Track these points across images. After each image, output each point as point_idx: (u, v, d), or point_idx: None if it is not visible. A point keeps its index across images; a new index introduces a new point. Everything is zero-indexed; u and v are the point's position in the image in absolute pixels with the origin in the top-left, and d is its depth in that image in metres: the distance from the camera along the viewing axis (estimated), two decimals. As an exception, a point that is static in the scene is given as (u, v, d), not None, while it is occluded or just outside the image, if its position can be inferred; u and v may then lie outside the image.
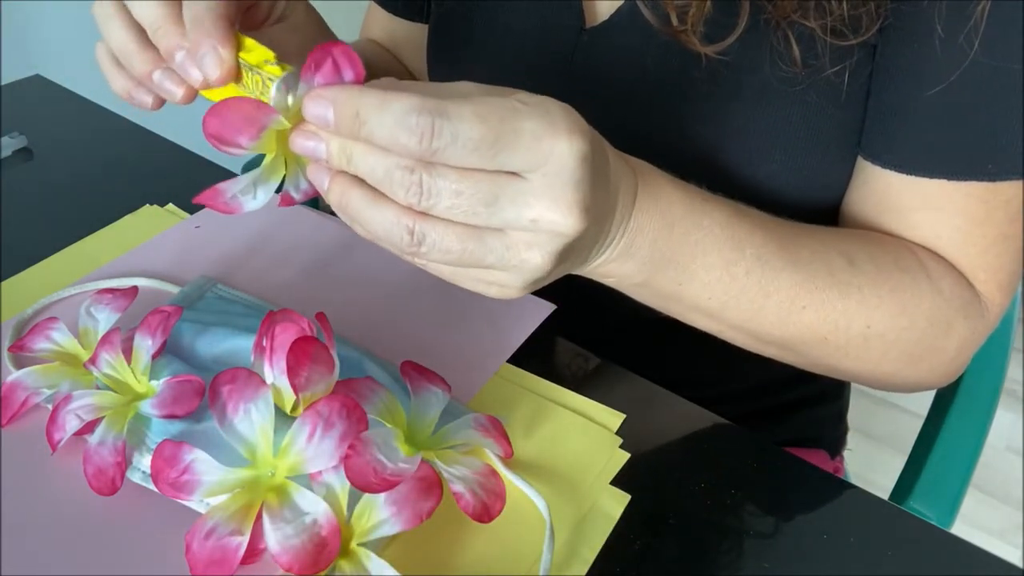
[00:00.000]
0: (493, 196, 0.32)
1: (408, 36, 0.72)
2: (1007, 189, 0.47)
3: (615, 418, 0.46)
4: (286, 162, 0.37)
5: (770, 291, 0.45)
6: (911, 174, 0.48)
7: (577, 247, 0.36)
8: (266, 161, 0.37)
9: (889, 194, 0.50)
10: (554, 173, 0.32)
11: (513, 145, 0.31)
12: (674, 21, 0.48)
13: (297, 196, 0.38)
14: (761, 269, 0.44)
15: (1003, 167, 0.46)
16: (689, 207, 0.42)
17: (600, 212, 0.36)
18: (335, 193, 0.34)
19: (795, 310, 0.45)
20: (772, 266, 0.44)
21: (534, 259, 0.34)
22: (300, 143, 0.34)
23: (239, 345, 0.46)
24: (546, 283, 0.37)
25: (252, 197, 0.37)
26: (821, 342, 0.47)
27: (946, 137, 0.47)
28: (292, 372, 0.38)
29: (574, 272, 0.40)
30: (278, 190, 0.38)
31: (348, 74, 0.34)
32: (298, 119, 0.35)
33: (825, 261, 0.46)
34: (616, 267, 0.41)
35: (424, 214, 0.33)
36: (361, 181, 0.33)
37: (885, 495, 0.54)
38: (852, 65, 0.48)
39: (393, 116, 0.31)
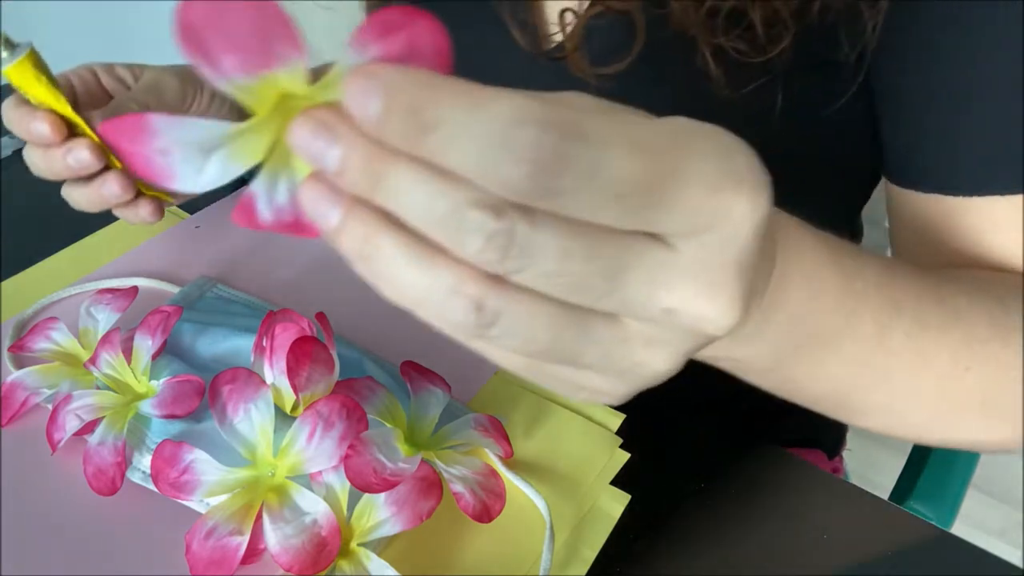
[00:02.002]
0: (619, 267, 0.21)
1: None
2: None
3: (615, 418, 0.46)
4: (275, 149, 0.24)
5: (930, 357, 0.35)
6: (964, 195, 0.44)
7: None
8: (249, 123, 0.24)
9: (950, 220, 0.45)
10: (719, 245, 0.22)
11: (674, 195, 0.21)
12: (568, 46, 0.46)
13: (266, 212, 0.26)
14: (923, 332, 0.35)
15: None
16: (840, 269, 0.32)
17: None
18: (354, 237, 0.22)
19: (956, 375, 0.36)
20: (934, 327, 0.35)
21: (654, 363, 0.23)
22: (301, 136, 0.21)
23: (239, 345, 0.46)
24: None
25: (196, 169, 0.24)
26: (979, 407, 0.38)
27: (993, 151, 0.43)
28: (292, 372, 0.38)
29: None
30: (242, 184, 0.25)
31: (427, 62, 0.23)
32: (315, 99, 0.23)
33: (982, 307, 0.38)
34: (739, 350, 0.31)
35: (499, 280, 0.21)
36: (394, 221, 0.21)
37: (885, 495, 0.54)
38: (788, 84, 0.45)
39: (494, 124, 0.19)
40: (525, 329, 0.22)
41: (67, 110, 0.46)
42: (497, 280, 0.21)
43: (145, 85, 0.53)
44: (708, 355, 0.31)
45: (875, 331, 0.33)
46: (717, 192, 0.21)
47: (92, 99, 0.53)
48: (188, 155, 0.24)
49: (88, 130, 0.47)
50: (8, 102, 0.48)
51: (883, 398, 0.36)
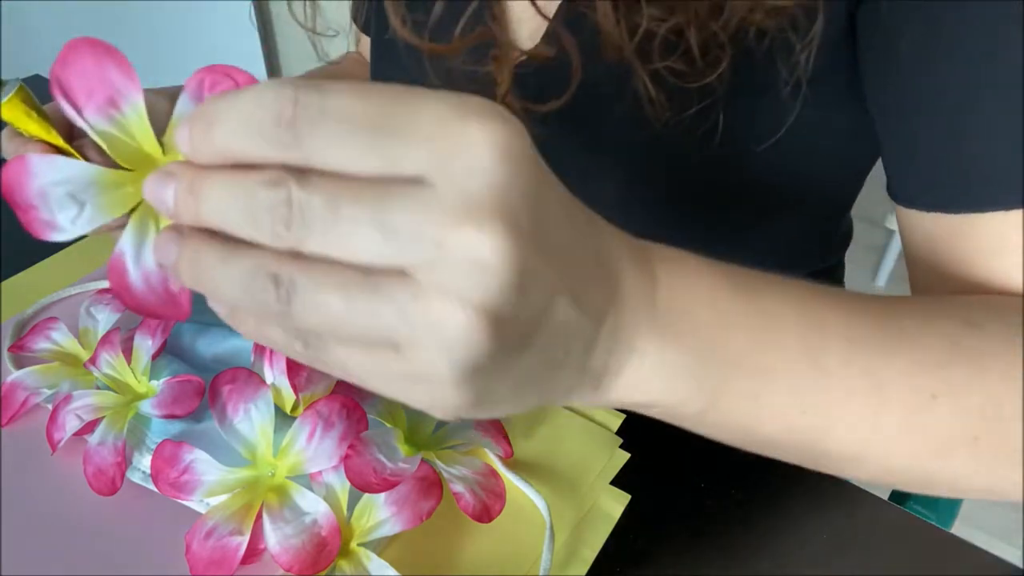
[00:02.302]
0: (381, 211, 0.22)
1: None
2: None
3: (615, 418, 0.46)
4: (142, 209, 0.28)
5: (883, 381, 0.33)
6: (966, 211, 0.40)
7: (541, 323, 0.25)
8: (118, 173, 0.28)
9: (956, 242, 0.42)
10: (466, 174, 0.23)
11: (407, 129, 0.23)
12: (503, 83, 0.47)
13: (134, 272, 0.27)
14: (862, 353, 0.33)
15: None
16: (742, 291, 0.31)
17: (581, 277, 0.26)
18: (185, 261, 0.24)
19: (923, 404, 0.33)
20: (873, 348, 0.33)
21: (452, 316, 0.23)
22: (150, 187, 0.25)
23: (239, 345, 0.46)
24: (511, 397, 0.26)
25: (71, 218, 0.27)
26: (970, 445, 0.34)
27: (994, 164, 0.40)
28: (292, 372, 0.38)
29: (587, 396, 0.29)
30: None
31: None
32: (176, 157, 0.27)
33: (940, 330, 0.34)
34: (658, 388, 0.30)
35: (295, 254, 0.23)
36: (218, 235, 0.24)
37: (885, 495, 0.54)
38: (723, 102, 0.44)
39: (247, 100, 0.23)
40: (317, 295, 0.23)
41: (59, 141, 0.47)
42: (294, 254, 0.23)
43: None
44: (635, 402, 0.30)
45: (803, 353, 0.32)
46: (446, 123, 0.23)
47: None
48: (61, 201, 0.27)
49: (81, 159, 0.48)
50: (4, 133, 0.49)
51: (848, 435, 0.33)
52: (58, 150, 0.48)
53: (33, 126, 0.46)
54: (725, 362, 0.30)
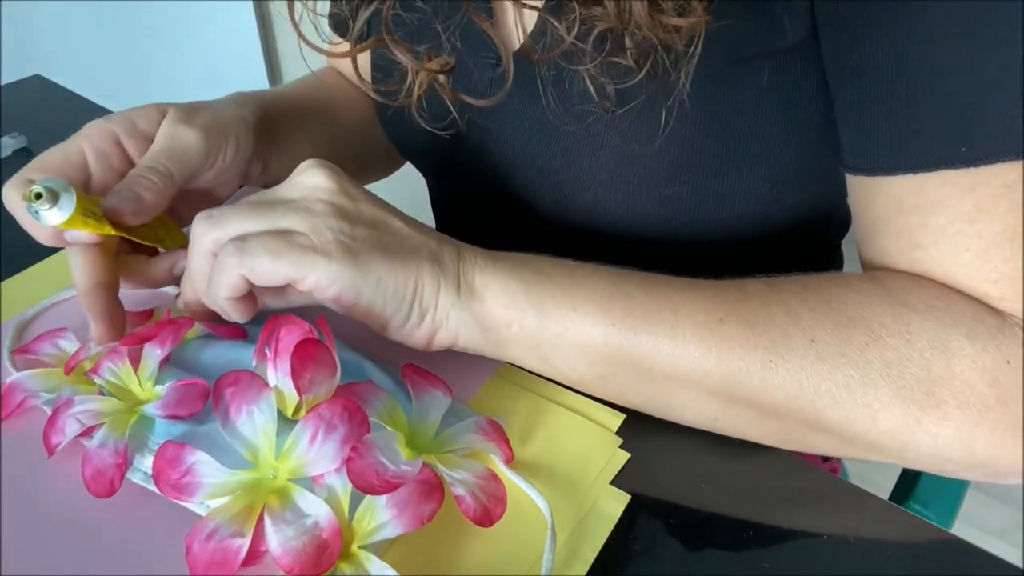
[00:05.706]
0: (280, 213, 0.41)
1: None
2: (1000, 173, 0.38)
3: (615, 418, 0.46)
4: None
5: (676, 305, 0.41)
6: (871, 174, 0.42)
7: (379, 220, 0.42)
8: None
9: (870, 203, 0.44)
10: (309, 167, 0.43)
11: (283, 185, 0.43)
12: (441, 80, 0.51)
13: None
14: (658, 286, 0.42)
15: (982, 148, 0.38)
16: (543, 260, 0.44)
17: (406, 221, 0.43)
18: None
19: (712, 323, 0.40)
20: (664, 284, 0.42)
21: (311, 208, 0.41)
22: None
23: (240, 352, 0.46)
24: (370, 239, 0.41)
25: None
26: (763, 368, 0.40)
27: (898, 126, 0.40)
28: (296, 374, 0.38)
29: (463, 301, 0.42)
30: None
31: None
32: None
33: (727, 284, 0.43)
34: (503, 304, 0.42)
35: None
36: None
37: (885, 495, 0.54)
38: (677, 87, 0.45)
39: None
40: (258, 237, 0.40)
41: (111, 231, 0.45)
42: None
43: (163, 150, 0.48)
44: (499, 317, 0.42)
45: (608, 283, 0.42)
46: (297, 175, 0.43)
47: (112, 175, 0.48)
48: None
49: (132, 236, 0.46)
50: (73, 262, 0.46)
51: (655, 350, 0.41)
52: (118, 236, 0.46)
53: (90, 227, 0.44)
54: (547, 284, 0.42)
